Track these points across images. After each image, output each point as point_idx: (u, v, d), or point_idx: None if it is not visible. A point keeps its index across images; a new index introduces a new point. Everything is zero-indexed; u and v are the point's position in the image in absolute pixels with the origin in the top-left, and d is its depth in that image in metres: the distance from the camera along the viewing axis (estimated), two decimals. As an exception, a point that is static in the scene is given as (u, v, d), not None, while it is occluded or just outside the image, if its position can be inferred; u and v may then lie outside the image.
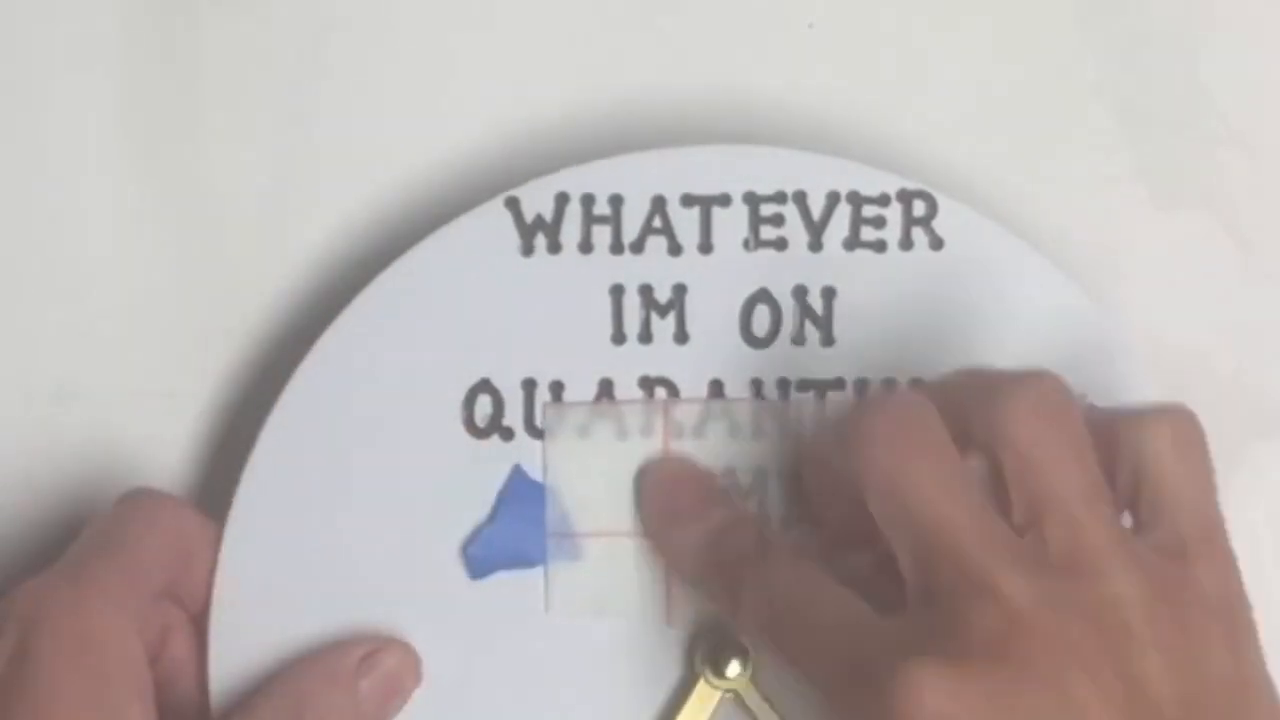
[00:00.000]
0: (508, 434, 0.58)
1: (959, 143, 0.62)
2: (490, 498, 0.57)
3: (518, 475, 0.57)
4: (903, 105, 0.62)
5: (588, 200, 0.58)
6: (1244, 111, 0.62)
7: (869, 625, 0.48)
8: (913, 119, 0.62)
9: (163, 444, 0.61)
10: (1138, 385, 0.57)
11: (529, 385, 0.58)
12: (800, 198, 0.58)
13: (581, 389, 0.58)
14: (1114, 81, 0.62)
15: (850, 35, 0.62)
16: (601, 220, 0.58)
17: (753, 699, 0.57)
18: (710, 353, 0.58)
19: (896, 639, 0.47)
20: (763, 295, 0.58)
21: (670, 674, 0.58)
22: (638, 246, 0.58)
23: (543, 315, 0.58)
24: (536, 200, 0.58)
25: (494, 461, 0.57)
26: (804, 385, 0.58)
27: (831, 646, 0.48)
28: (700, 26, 0.62)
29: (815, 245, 0.58)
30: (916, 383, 0.57)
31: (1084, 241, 0.61)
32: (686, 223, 0.58)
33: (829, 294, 0.58)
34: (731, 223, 0.58)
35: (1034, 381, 0.49)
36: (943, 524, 0.47)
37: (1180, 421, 0.50)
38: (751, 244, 0.58)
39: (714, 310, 0.58)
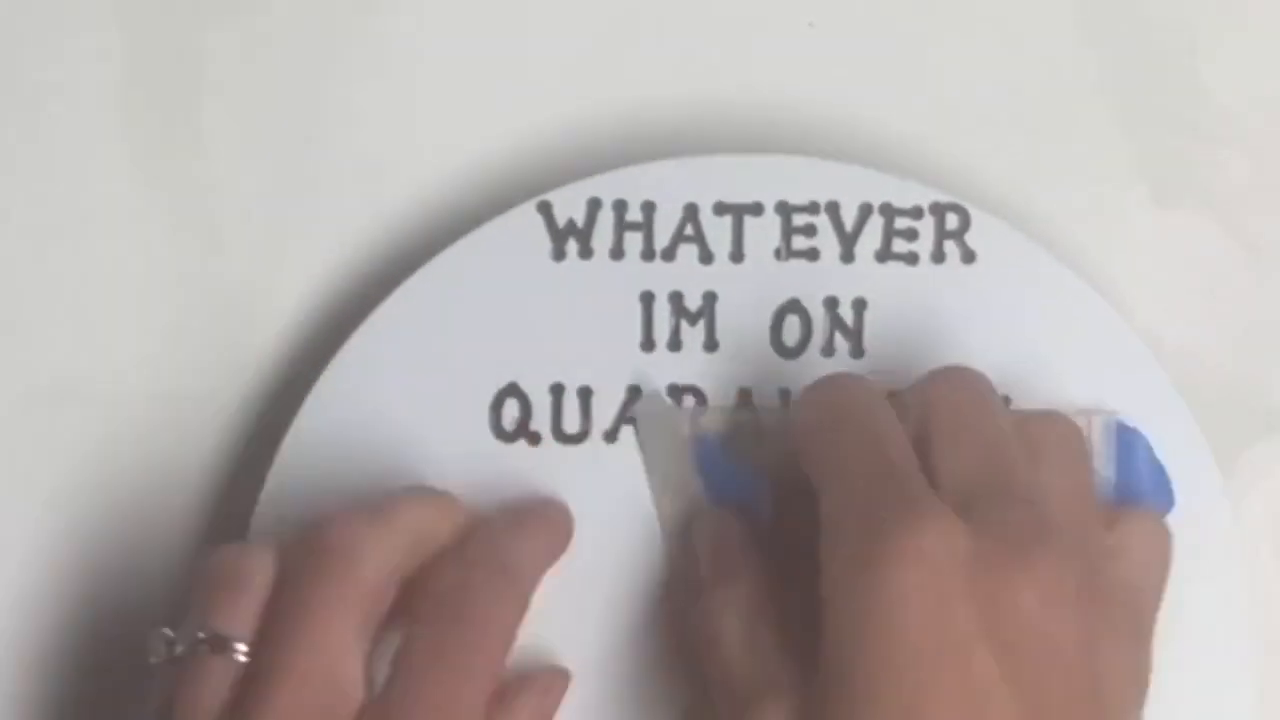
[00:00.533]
0: (535, 438, 0.58)
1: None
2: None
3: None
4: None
5: (620, 206, 0.58)
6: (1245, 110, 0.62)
7: None
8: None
9: (187, 448, 0.60)
10: (1164, 400, 0.57)
11: (557, 390, 0.58)
12: (833, 208, 0.58)
13: (610, 395, 0.58)
14: (1115, 82, 0.62)
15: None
16: (634, 226, 0.58)
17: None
18: (740, 361, 0.58)
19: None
20: (793, 305, 0.58)
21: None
22: (669, 254, 0.58)
23: (572, 320, 0.58)
24: (569, 205, 0.58)
25: (519, 466, 0.57)
26: (833, 397, 0.58)
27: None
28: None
29: (847, 256, 0.58)
30: None
31: (1085, 239, 0.60)
32: (718, 231, 0.58)
33: (860, 305, 0.58)
34: (764, 232, 0.58)
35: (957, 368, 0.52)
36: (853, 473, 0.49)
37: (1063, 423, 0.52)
38: (783, 253, 0.58)
39: (745, 319, 0.58)
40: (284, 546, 0.51)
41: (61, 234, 0.62)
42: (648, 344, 0.58)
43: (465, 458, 0.57)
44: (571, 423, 0.58)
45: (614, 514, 0.58)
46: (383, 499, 0.52)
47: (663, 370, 0.58)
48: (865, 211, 0.58)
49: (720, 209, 0.58)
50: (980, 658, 0.45)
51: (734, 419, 0.57)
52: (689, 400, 0.58)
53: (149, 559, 0.60)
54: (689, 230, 0.58)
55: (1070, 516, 0.49)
